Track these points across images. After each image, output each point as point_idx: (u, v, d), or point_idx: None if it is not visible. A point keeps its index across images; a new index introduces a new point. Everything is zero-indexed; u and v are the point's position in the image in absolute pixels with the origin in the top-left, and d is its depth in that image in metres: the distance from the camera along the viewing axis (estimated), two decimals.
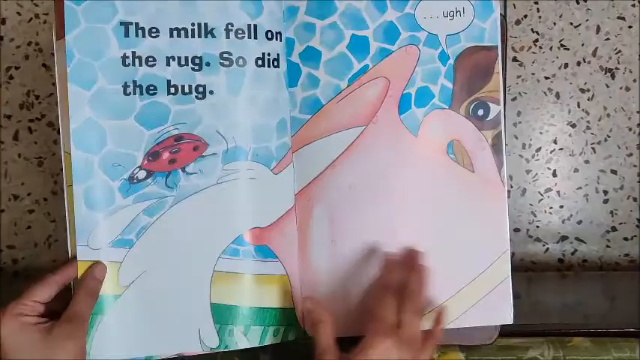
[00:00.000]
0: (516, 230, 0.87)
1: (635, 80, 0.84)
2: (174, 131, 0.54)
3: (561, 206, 0.87)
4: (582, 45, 0.85)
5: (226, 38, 0.54)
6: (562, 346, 0.61)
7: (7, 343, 0.47)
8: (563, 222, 0.87)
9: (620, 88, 0.85)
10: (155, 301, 0.55)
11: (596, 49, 0.85)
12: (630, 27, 0.84)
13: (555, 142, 0.86)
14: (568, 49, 0.85)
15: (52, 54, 0.83)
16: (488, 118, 0.56)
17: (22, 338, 0.48)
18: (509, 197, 0.59)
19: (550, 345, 0.61)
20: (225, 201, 0.55)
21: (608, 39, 0.84)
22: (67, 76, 0.52)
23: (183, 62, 0.54)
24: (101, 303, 0.53)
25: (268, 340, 0.57)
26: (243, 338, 0.57)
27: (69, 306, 0.50)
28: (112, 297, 0.54)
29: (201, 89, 0.54)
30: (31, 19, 0.85)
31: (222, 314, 0.56)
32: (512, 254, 0.58)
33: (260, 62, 0.55)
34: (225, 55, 0.54)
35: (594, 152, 0.86)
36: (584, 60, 0.85)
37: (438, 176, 0.56)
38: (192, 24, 0.54)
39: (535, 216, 0.87)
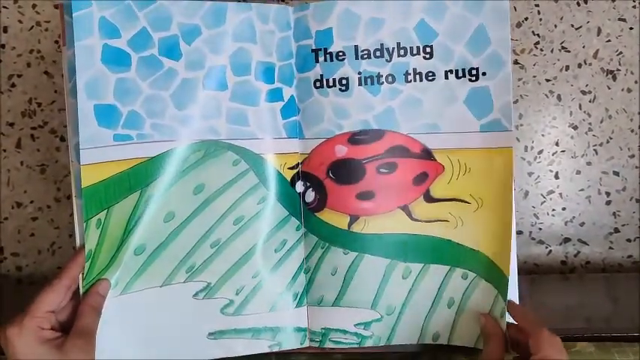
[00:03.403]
0: (519, 233, 0.87)
1: (636, 82, 0.84)
2: None
3: (564, 208, 0.87)
4: (583, 47, 0.85)
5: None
6: (566, 351, 0.61)
7: (23, 357, 0.48)
8: (565, 224, 0.87)
9: (622, 89, 0.85)
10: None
11: (597, 50, 0.85)
12: (631, 28, 0.84)
13: (557, 144, 0.86)
14: (569, 52, 0.85)
15: (54, 61, 0.84)
16: None
17: (39, 353, 0.48)
18: None
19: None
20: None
21: (609, 41, 0.84)
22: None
23: None
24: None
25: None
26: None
27: (76, 321, 0.51)
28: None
29: None
30: (32, 27, 0.85)
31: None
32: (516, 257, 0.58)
33: None
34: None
35: (596, 154, 0.86)
36: (585, 62, 0.85)
37: None
38: None
39: (537, 218, 0.87)
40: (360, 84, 0.58)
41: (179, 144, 0.56)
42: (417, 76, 0.58)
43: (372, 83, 0.58)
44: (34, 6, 0.85)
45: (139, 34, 0.54)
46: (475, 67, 0.57)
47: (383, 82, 0.58)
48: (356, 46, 0.57)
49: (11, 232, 0.87)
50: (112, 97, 0.53)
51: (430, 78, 0.58)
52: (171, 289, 0.56)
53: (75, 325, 0.50)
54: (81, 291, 0.53)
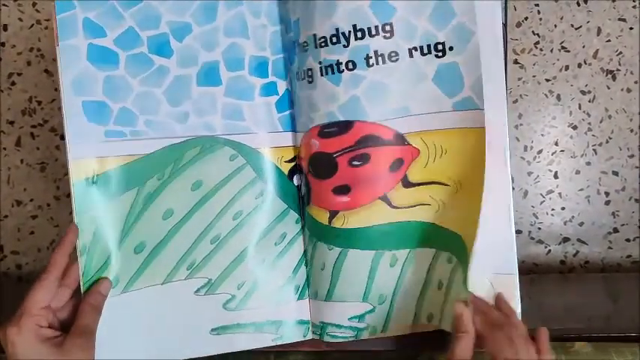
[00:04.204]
0: (518, 232, 0.87)
1: (636, 82, 0.84)
2: None
3: (563, 208, 0.87)
4: (583, 47, 0.85)
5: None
6: (564, 351, 0.61)
7: (23, 356, 0.48)
8: (564, 223, 0.87)
9: (621, 89, 0.85)
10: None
11: (597, 50, 0.85)
12: (631, 28, 0.84)
13: (557, 144, 0.86)
14: (569, 51, 0.85)
15: (54, 60, 0.84)
16: None
17: (38, 352, 0.48)
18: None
19: (552, 350, 0.61)
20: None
21: (609, 40, 0.84)
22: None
23: None
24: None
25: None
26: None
27: (76, 320, 0.51)
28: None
29: None
30: (32, 25, 0.85)
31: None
32: None
33: None
34: None
35: (596, 154, 0.86)
36: (585, 62, 0.85)
37: None
38: None
39: (537, 218, 0.87)
40: (321, 74, 0.55)
41: (175, 140, 0.56)
42: (380, 59, 0.53)
43: (333, 72, 0.54)
44: (34, 4, 0.85)
45: (125, 33, 0.54)
46: (441, 41, 0.53)
47: (343, 70, 0.54)
48: (314, 35, 0.55)
49: (11, 230, 0.87)
50: (100, 94, 0.54)
51: (393, 59, 0.53)
52: (172, 287, 0.56)
53: (75, 324, 0.50)
54: (82, 290, 0.53)
